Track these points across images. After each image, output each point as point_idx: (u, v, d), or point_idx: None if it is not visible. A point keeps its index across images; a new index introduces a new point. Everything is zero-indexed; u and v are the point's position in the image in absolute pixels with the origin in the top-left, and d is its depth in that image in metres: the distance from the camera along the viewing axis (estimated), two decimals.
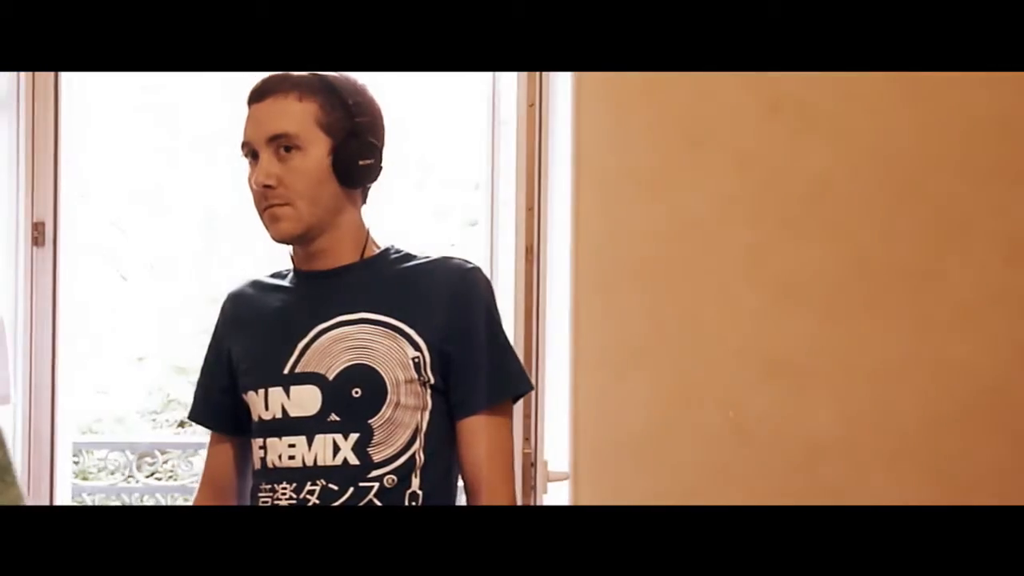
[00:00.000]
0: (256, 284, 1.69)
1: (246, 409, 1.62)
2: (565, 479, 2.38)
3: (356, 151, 1.57)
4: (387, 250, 1.65)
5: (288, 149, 1.55)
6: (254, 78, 1.60)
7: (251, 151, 1.58)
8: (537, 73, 2.30)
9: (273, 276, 1.70)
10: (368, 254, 1.63)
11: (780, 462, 2.45)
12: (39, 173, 2.36)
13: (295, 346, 1.57)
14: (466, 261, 1.65)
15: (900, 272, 2.46)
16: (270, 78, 1.59)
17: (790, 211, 2.45)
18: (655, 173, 2.43)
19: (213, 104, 6.62)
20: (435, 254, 1.65)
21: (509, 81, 2.43)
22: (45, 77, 2.36)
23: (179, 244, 7.44)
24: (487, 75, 2.53)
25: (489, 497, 1.57)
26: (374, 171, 1.61)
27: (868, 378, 2.46)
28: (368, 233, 1.64)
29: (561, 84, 2.37)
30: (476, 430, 1.58)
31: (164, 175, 7.29)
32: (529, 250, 2.30)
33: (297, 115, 1.56)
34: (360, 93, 1.61)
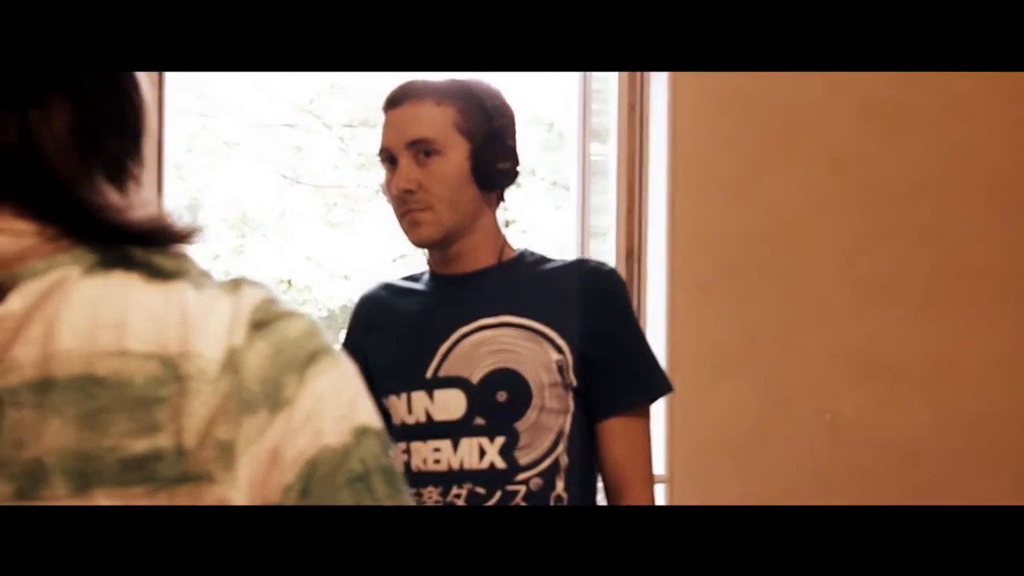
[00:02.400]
0: (389, 287, 1.69)
1: (384, 413, 1.62)
2: (661, 482, 2.38)
3: (495, 154, 1.58)
4: (523, 253, 1.65)
5: (428, 154, 1.55)
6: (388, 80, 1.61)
7: (389, 157, 1.58)
8: (638, 75, 2.30)
9: (406, 279, 1.70)
10: (505, 257, 1.63)
11: (875, 464, 2.44)
12: None
13: (437, 350, 1.57)
14: (602, 263, 1.65)
15: (995, 272, 2.46)
16: (407, 84, 1.59)
17: (884, 212, 2.44)
18: (749, 174, 2.43)
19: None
20: (570, 257, 1.65)
21: (603, 82, 2.43)
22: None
23: None
24: (577, 75, 2.53)
25: (630, 498, 1.57)
26: (512, 174, 1.61)
27: (963, 379, 2.45)
28: (504, 236, 1.64)
29: (657, 86, 2.37)
30: (616, 432, 1.58)
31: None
32: (630, 253, 2.30)
33: (436, 120, 1.56)
34: (496, 96, 1.62)
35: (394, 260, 5.11)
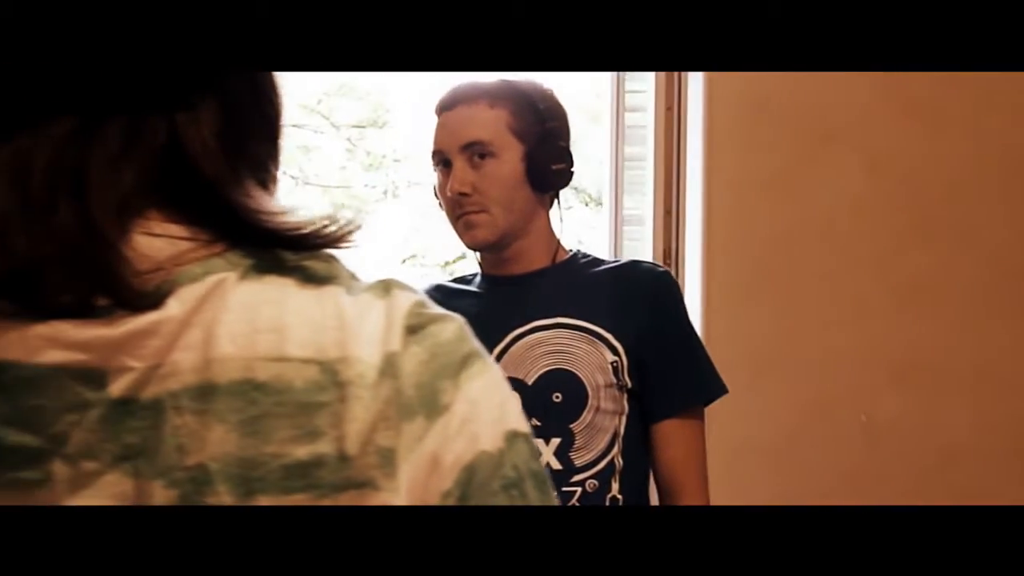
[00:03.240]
0: (441, 289, 1.69)
1: None
2: None
3: (548, 156, 1.57)
4: (576, 254, 1.65)
5: (482, 156, 1.55)
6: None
7: (442, 160, 1.58)
8: (676, 75, 2.29)
9: (457, 281, 1.69)
10: (559, 258, 1.62)
11: (912, 467, 2.43)
12: None
13: (491, 351, 1.56)
14: (656, 264, 1.64)
15: None
16: (459, 87, 1.59)
17: (923, 213, 2.43)
18: (787, 175, 2.42)
19: None
20: (623, 259, 1.65)
21: (637, 82, 2.42)
22: None
23: None
24: (609, 75, 2.52)
25: (685, 501, 1.56)
26: (566, 175, 1.61)
27: (1001, 381, 2.44)
28: (558, 238, 1.64)
29: (693, 86, 2.36)
30: (671, 433, 1.57)
31: None
32: (667, 254, 2.29)
33: (489, 122, 1.55)
34: (549, 97, 1.61)
35: (403, 261, 5.11)
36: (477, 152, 1.55)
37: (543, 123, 1.58)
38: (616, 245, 2.51)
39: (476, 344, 0.57)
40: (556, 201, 1.64)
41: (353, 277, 0.56)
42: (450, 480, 0.53)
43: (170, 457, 0.50)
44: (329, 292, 0.55)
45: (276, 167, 0.59)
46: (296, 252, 0.55)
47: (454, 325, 0.56)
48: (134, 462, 0.50)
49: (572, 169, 1.62)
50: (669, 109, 2.26)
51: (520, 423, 0.57)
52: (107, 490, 0.50)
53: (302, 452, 0.51)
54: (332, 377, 0.52)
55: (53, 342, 0.49)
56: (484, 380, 0.56)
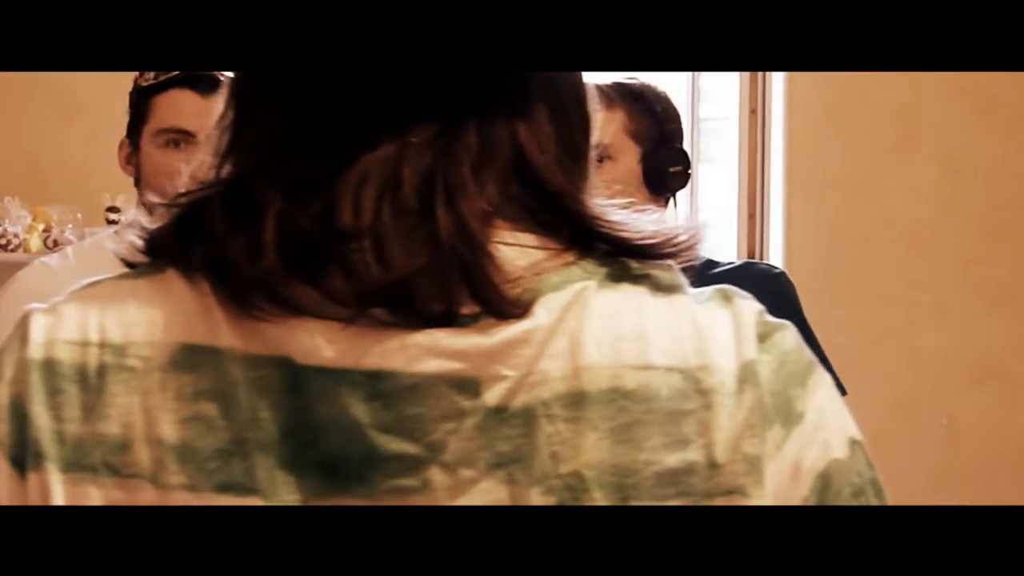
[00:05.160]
0: None
1: None
2: None
3: (666, 158, 1.56)
4: None
5: (599, 159, 1.54)
6: None
7: None
8: (760, 76, 2.29)
9: None
10: None
11: (993, 467, 2.42)
12: None
13: None
14: (772, 266, 1.64)
15: None
16: None
17: (1003, 215, 2.43)
18: (866, 177, 2.41)
19: None
20: (737, 261, 1.64)
21: (712, 82, 2.42)
22: None
23: None
24: (685, 75, 2.52)
25: None
26: (682, 178, 1.60)
27: None
28: None
29: (776, 88, 2.36)
30: None
31: None
32: (751, 256, 2.29)
33: (607, 125, 1.54)
34: (665, 100, 1.60)
35: None
36: (596, 156, 1.54)
37: (660, 125, 1.57)
38: None
39: (810, 351, 0.56)
40: (672, 203, 1.63)
41: (688, 285, 0.56)
42: (806, 487, 0.53)
43: (545, 465, 0.49)
44: (680, 301, 0.54)
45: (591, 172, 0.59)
46: (640, 261, 0.55)
47: (793, 333, 0.56)
48: (507, 469, 0.50)
49: (688, 171, 1.61)
50: (753, 111, 2.25)
51: (856, 430, 0.57)
52: (483, 497, 0.49)
53: (673, 459, 0.50)
54: (695, 385, 0.51)
55: (431, 351, 0.49)
56: (826, 387, 0.56)
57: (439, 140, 0.51)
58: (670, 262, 0.55)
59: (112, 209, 2.28)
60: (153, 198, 0.54)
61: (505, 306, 0.50)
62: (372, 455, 0.49)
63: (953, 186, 2.42)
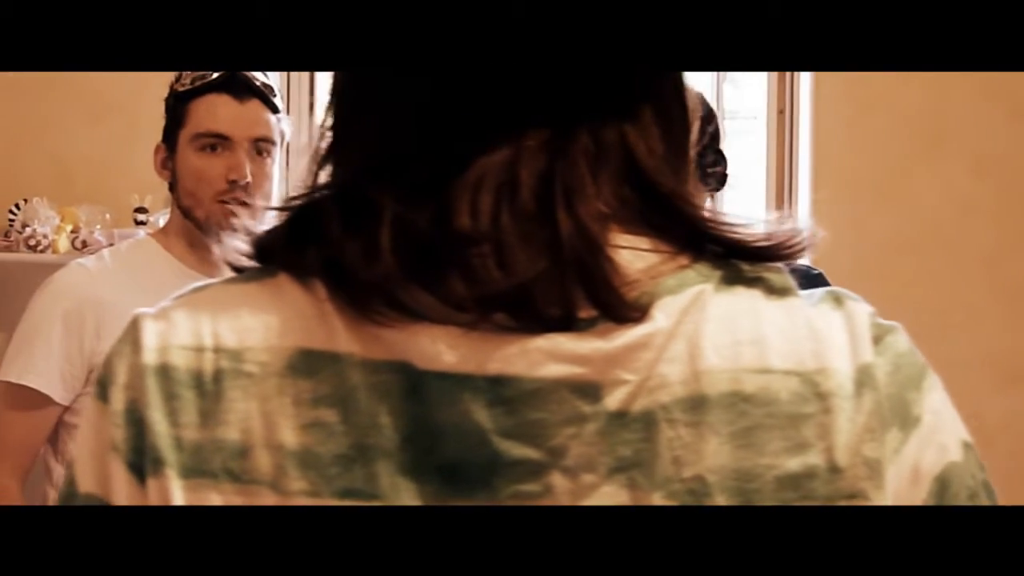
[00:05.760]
0: None
1: None
2: None
3: (705, 159, 1.56)
4: None
5: None
6: None
7: None
8: (788, 76, 2.28)
9: None
10: None
11: (1021, 470, 2.41)
12: None
13: None
14: (810, 267, 1.63)
15: None
16: None
17: None
18: (893, 178, 2.41)
19: None
20: None
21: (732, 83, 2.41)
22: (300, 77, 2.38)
23: None
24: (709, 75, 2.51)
25: None
26: (722, 177, 1.60)
27: None
28: None
29: (803, 89, 2.36)
30: None
31: None
32: None
33: None
34: (703, 101, 1.60)
35: None
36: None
37: (700, 126, 1.57)
38: None
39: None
40: (712, 203, 1.63)
41: (798, 287, 0.56)
42: (924, 490, 0.53)
43: (667, 469, 0.49)
44: (793, 303, 0.54)
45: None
46: (752, 263, 0.54)
47: (905, 336, 0.56)
48: (628, 474, 0.49)
49: (727, 172, 1.61)
50: (781, 112, 2.25)
51: (967, 433, 0.57)
52: (605, 501, 0.49)
53: (794, 464, 0.50)
54: (813, 388, 0.51)
55: (553, 356, 0.48)
56: (940, 390, 0.56)
57: (553, 142, 0.51)
58: (779, 264, 0.55)
59: (140, 210, 2.28)
60: (261, 202, 0.54)
61: (624, 310, 0.49)
62: (494, 461, 0.49)
63: (981, 188, 2.41)
